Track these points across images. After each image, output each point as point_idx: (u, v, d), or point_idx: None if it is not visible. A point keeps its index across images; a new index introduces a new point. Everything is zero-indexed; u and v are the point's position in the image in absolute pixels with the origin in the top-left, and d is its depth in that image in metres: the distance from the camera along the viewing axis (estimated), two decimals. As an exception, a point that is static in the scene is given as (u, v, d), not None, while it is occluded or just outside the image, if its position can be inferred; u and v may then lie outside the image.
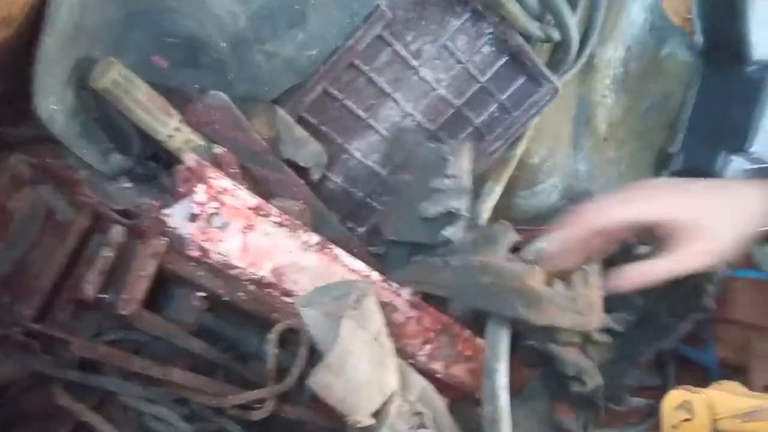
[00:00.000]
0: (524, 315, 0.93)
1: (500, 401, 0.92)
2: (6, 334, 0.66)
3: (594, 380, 1.10)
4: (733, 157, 1.31)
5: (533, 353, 1.02)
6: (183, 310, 0.81)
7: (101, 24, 0.78)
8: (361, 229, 1.10)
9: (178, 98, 0.85)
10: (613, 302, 1.17)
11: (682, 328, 0.98)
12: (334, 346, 0.74)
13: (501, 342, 0.96)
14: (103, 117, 0.80)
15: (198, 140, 0.86)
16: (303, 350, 0.87)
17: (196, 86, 0.87)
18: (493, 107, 1.08)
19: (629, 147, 1.38)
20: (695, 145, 1.36)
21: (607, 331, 1.18)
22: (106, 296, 0.72)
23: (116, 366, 0.75)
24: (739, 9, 1.18)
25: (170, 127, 0.83)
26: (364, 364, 0.77)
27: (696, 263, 0.71)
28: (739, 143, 1.29)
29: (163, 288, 0.80)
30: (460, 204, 0.96)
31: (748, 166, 1.35)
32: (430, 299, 1.07)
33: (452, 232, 0.96)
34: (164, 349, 0.81)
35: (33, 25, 0.69)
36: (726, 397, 0.70)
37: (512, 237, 1.00)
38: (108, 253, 0.71)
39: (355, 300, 0.78)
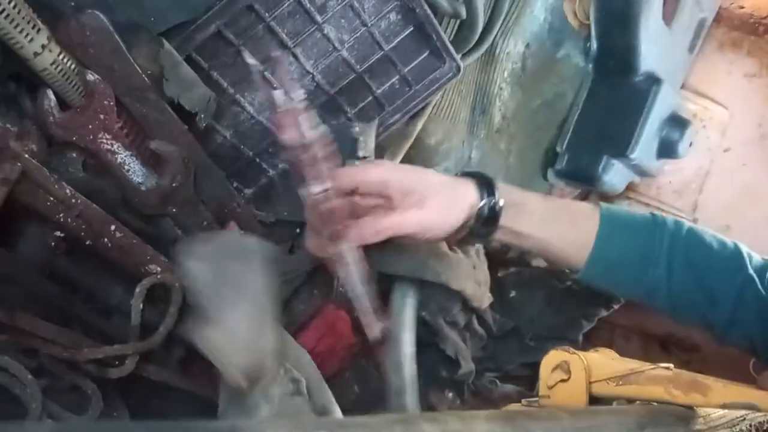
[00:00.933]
0: (440, 277, 0.94)
1: (406, 371, 0.92)
2: None
3: (468, 365, 1.11)
4: (614, 162, 1.38)
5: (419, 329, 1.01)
6: (36, 250, 0.71)
7: None
8: (248, 191, 1.03)
9: (49, 13, 0.75)
10: (496, 302, 1.20)
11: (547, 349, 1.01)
12: (216, 298, 0.69)
13: (406, 311, 0.96)
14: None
15: (69, 63, 0.76)
16: (173, 309, 0.80)
17: (72, 2, 0.78)
18: (394, 78, 1.05)
19: (519, 141, 1.40)
20: (580, 146, 1.41)
21: (485, 329, 1.20)
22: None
23: None
24: (632, 20, 1.24)
25: (37, 44, 0.73)
26: (243, 319, 0.73)
27: (409, 226, 0.83)
28: (621, 149, 1.36)
29: (14, 224, 0.70)
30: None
31: (627, 171, 1.42)
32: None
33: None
34: (12, 293, 0.70)
35: None
36: (602, 360, 0.71)
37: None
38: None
39: (241, 254, 0.74)
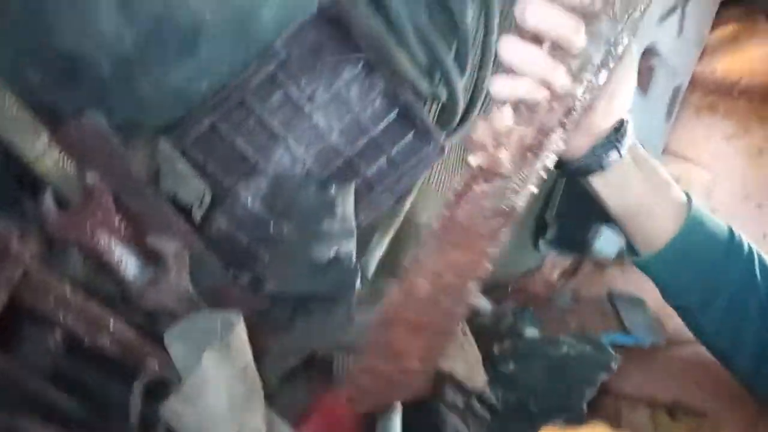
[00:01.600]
0: None
1: None
2: None
3: None
4: (605, 228, 1.41)
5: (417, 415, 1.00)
6: (37, 352, 0.71)
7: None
8: (245, 279, 1.04)
9: (49, 117, 0.78)
10: (496, 378, 1.19)
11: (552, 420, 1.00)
12: (191, 375, 0.69)
13: None
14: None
15: (69, 165, 0.79)
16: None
17: (72, 106, 0.80)
18: (382, 160, 1.08)
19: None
20: (569, 215, 1.44)
21: (487, 408, 1.19)
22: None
23: None
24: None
25: (38, 148, 0.75)
26: (224, 397, 0.72)
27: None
28: (609, 215, 1.39)
29: (14, 326, 0.70)
30: (350, 246, 0.94)
31: (618, 236, 1.45)
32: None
33: (353, 284, 0.94)
34: (11, 399, 0.69)
35: None
36: None
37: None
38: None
39: (222, 331, 0.74)
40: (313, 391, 1.04)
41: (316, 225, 1.01)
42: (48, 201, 0.77)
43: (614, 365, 1.21)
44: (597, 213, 1.39)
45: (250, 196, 1.00)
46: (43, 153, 0.76)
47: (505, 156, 0.70)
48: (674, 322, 1.33)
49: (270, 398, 0.90)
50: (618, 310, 1.53)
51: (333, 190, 1.03)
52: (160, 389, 0.80)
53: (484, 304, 1.33)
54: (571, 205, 1.43)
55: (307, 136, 1.01)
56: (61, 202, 0.79)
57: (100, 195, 0.81)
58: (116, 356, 0.78)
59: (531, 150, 0.71)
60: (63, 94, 0.80)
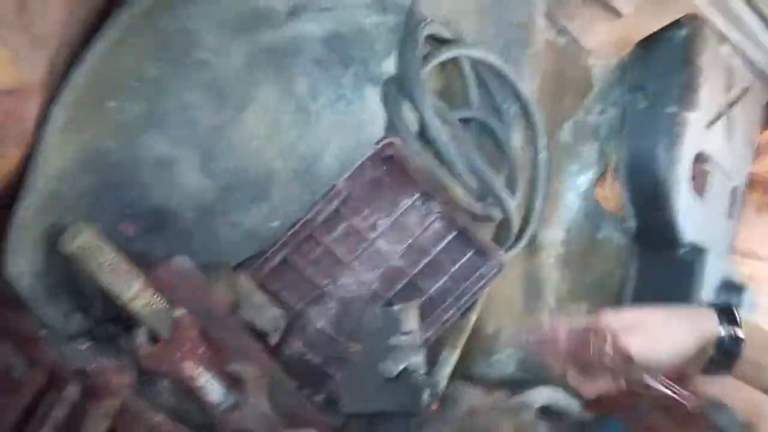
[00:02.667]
0: None
1: None
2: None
3: None
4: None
5: None
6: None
7: (75, 194, 0.84)
8: (318, 397, 1.09)
9: (143, 263, 0.90)
10: None
11: None
12: None
13: None
14: (69, 279, 0.84)
15: (159, 303, 0.89)
16: None
17: (161, 252, 0.92)
18: (444, 278, 1.14)
19: (578, 321, 1.43)
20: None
21: None
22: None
23: None
24: (663, 199, 1.32)
25: (133, 290, 0.86)
26: None
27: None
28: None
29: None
30: (418, 359, 0.99)
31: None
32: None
33: (424, 398, 0.98)
34: None
35: (10, 191, 0.75)
36: None
37: (470, 396, 1.03)
38: (61, 411, 0.71)
39: None
40: None
41: (383, 342, 1.07)
42: (141, 336, 0.87)
43: None
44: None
45: (320, 319, 1.08)
46: (137, 295, 0.87)
47: None
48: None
49: None
50: (707, 413, 1.46)
51: (397, 308, 1.09)
52: None
53: (573, 404, 1.31)
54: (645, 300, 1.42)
55: (372, 261, 1.09)
56: (154, 337, 0.89)
57: (187, 327, 0.91)
58: None
59: None
60: (154, 242, 0.92)
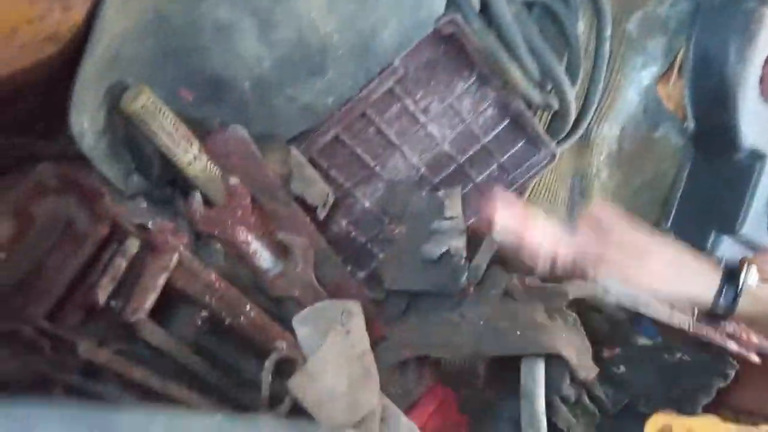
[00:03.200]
0: (544, 346, 0.98)
1: (541, 425, 0.96)
2: (17, 329, 0.69)
3: None
4: (723, 238, 1.37)
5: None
6: (185, 327, 0.83)
7: (137, 55, 0.84)
8: (362, 274, 1.13)
9: (199, 129, 0.91)
10: (606, 377, 1.20)
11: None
12: (315, 355, 0.78)
13: (537, 370, 1.00)
14: (129, 139, 0.86)
15: (214, 169, 0.91)
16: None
17: (218, 120, 0.93)
18: (492, 166, 1.14)
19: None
20: (686, 223, 1.41)
21: (596, 405, 1.20)
22: (114, 303, 0.75)
23: (117, 375, 0.76)
24: (729, 101, 1.26)
25: (190, 155, 0.88)
26: (343, 377, 0.81)
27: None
28: (729, 225, 1.35)
29: (168, 305, 0.83)
30: (460, 244, 1.01)
31: (738, 246, 1.40)
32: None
33: (461, 280, 1.00)
34: (163, 366, 0.82)
35: (76, 46, 0.76)
36: (706, 424, 0.71)
37: (505, 280, 1.05)
38: (122, 263, 0.75)
39: (343, 318, 0.83)
40: (424, 382, 1.12)
41: (427, 225, 1.09)
42: (196, 200, 0.90)
43: (731, 373, 1.18)
44: (714, 223, 1.36)
45: (367, 199, 1.10)
46: (194, 160, 0.89)
47: None
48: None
49: (383, 384, 0.99)
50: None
51: (442, 193, 1.10)
52: (287, 367, 0.90)
53: (610, 301, 1.33)
54: (687, 215, 1.40)
55: (422, 145, 1.09)
56: (207, 202, 0.92)
57: (240, 196, 0.93)
58: (250, 336, 0.90)
59: None
60: (210, 110, 0.93)
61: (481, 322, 1.00)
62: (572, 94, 1.08)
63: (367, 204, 1.10)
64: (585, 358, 1.07)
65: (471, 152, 1.12)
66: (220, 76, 0.92)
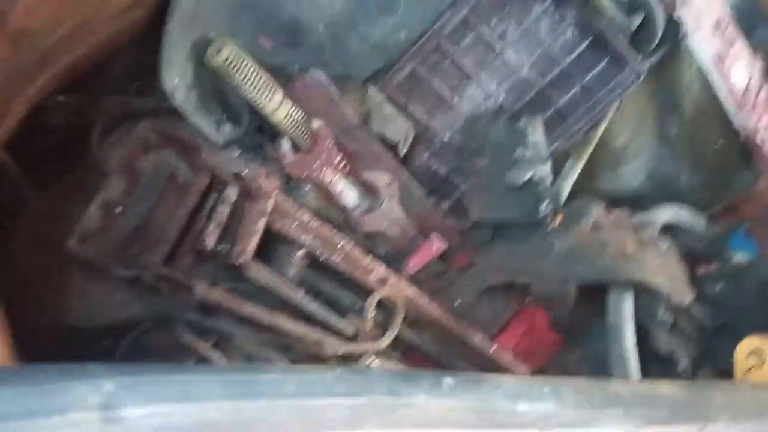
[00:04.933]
0: (634, 276, 0.98)
1: (630, 363, 0.98)
2: (138, 276, 0.77)
3: (683, 363, 1.12)
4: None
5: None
6: (286, 265, 0.89)
7: (216, 9, 0.88)
8: (445, 204, 1.15)
9: (280, 76, 0.95)
10: (703, 297, 1.18)
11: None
12: None
13: (625, 304, 1.01)
14: (217, 91, 0.91)
15: (298, 114, 0.95)
16: (398, 319, 0.95)
17: (296, 65, 0.96)
18: (575, 88, 1.11)
19: (714, 135, 1.36)
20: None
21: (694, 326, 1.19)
22: (221, 247, 0.81)
23: (230, 311, 0.84)
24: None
25: (275, 102, 0.92)
26: None
27: None
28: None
29: (269, 245, 0.88)
30: (544, 171, 1.01)
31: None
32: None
33: (545, 207, 1.01)
34: (269, 301, 0.89)
35: (160, 8, 0.80)
36: None
37: (595, 210, 1.04)
38: (224, 210, 0.80)
39: None
40: (513, 305, 1.14)
41: (509, 153, 1.09)
42: (284, 146, 0.95)
43: None
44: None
45: (447, 131, 1.10)
46: (278, 107, 0.93)
47: None
48: None
49: (471, 309, 1.03)
50: None
51: (523, 120, 1.09)
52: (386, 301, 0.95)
53: (698, 221, 1.30)
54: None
55: (499, 73, 1.07)
56: (294, 146, 0.97)
57: (324, 138, 0.97)
58: (345, 269, 0.94)
59: None
60: (289, 56, 0.96)
61: (569, 250, 1.01)
62: (661, 13, 1.03)
63: (446, 136, 1.10)
64: (680, 283, 1.06)
65: (551, 76, 1.09)
66: (295, 21, 0.94)
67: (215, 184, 0.85)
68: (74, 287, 0.83)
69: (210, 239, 0.79)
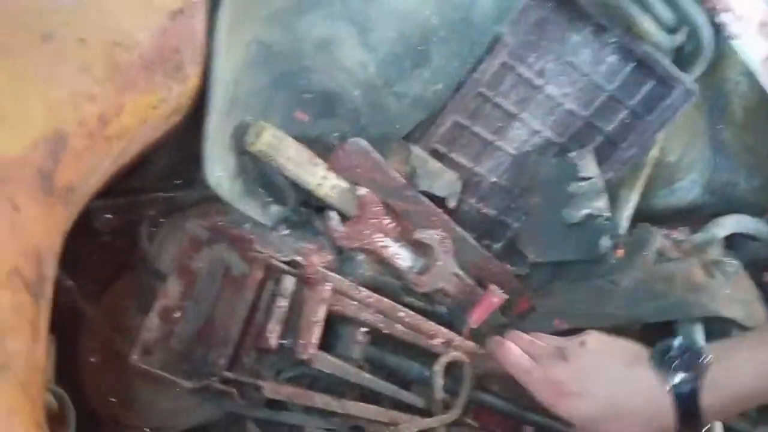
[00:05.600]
0: (708, 309, 0.93)
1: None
2: (206, 384, 0.75)
3: None
4: None
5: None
6: (350, 347, 0.87)
7: (251, 92, 0.85)
8: (497, 246, 1.12)
9: (320, 148, 0.92)
10: None
11: None
12: None
13: (698, 339, 0.96)
14: (261, 175, 0.88)
15: (343, 184, 0.92)
16: (467, 382, 0.92)
17: (335, 134, 0.93)
18: (623, 114, 1.06)
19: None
20: None
21: None
22: (285, 342, 0.79)
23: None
24: None
25: (318, 176, 0.90)
26: None
27: None
28: None
29: (330, 328, 0.86)
30: (602, 204, 0.97)
31: None
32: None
33: (605, 243, 0.97)
34: (335, 382, 0.87)
35: (196, 104, 0.78)
36: None
37: (658, 239, 1.00)
38: (283, 303, 0.78)
39: None
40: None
41: (562, 189, 1.05)
42: (333, 218, 0.92)
43: None
44: None
45: (493, 174, 1.07)
46: (323, 180, 0.90)
47: None
48: None
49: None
50: None
51: (572, 155, 1.05)
52: (454, 367, 0.93)
53: (761, 226, 1.25)
54: None
55: (543, 108, 1.03)
56: (342, 215, 0.94)
57: (372, 204, 0.94)
58: (409, 339, 0.92)
59: None
60: (327, 126, 0.93)
61: (635, 287, 0.97)
62: (708, 29, 0.98)
63: (493, 179, 1.07)
64: (753, 306, 1.00)
65: (597, 104, 1.05)
66: (330, 91, 0.91)
67: (271, 273, 0.83)
68: (142, 398, 0.82)
69: (272, 337, 0.77)
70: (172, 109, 0.69)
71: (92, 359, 0.83)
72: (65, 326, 0.83)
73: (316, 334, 0.79)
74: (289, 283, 0.81)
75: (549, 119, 1.04)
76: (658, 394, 0.71)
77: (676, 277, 0.98)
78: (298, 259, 0.83)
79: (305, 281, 0.82)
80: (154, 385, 0.80)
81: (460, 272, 1.02)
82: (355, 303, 0.87)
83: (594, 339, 0.82)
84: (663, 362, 0.73)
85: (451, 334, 0.95)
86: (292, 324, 0.81)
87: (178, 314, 0.80)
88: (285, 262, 0.82)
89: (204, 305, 0.81)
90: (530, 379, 0.82)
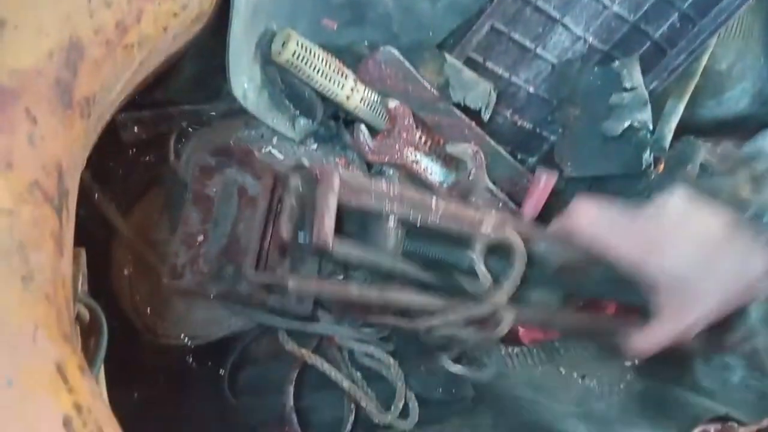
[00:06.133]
0: None
1: None
2: (233, 289, 0.75)
3: None
4: None
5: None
6: (381, 238, 0.77)
7: (274, -1, 0.81)
8: (532, 160, 1.08)
9: (349, 57, 0.88)
10: None
11: None
12: None
13: None
14: (287, 86, 0.85)
15: (373, 96, 0.88)
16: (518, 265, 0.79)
17: (365, 43, 0.89)
18: (673, 18, 0.99)
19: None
20: None
21: None
22: (301, 238, 0.76)
23: (333, 302, 0.81)
24: None
25: (347, 88, 0.86)
26: None
27: (682, 330, 0.67)
28: None
29: (361, 230, 0.81)
30: (644, 116, 0.92)
31: None
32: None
33: (647, 158, 0.93)
34: (377, 274, 0.80)
35: (220, 13, 0.74)
36: None
37: (702, 152, 0.95)
38: (290, 199, 0.74)
39: None
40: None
41: (604, 101, 0.99)
42: (362, 132, 0.89)
43: None
44: None
45: (531, 84, 1.01)
46: (352, 92, 0.87)
47: None
48: None
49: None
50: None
51: (616, 63, 0.99)
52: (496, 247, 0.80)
53: None
54: None
55: (586, 12, 0.96)
56: (371, 129, 0.91)
57: (402, 117, 0.90)
58: (448, 228, 0.79)
59: None
60: (356, 33, 0.88)
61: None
62: None
63: (530, 89, 1.02)
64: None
65: (646, 6, 0.97)
66: (359, -4, 0.86)
67: (280, 180, 0.81)
68: (176, 309, 0.83)
69: (284, 229, 0.74)
70: (194, 16, 0.65)
71: (126, 272, 0.84)
72: (98, 239, 0.84)
73: (328, 219, 0.72)
74: (294, 181, 0.76)
75: (593, 24, 0.97)
76: (754, 250, 0.67)
77: (721, 193, 0.93)
78: (303, 160, 0.81)
79: (314, 180, 0.78)
80: (187, 300, 0.81)
81: (493, 187, 0.99)
82: (373, 195, 0.79)
83: (681, 196, 0.76)
84: (760, 223, 0.70)
85: (503, 215, 0.81)
86: (308, 221, 0.78)
87: (201, 238, 0.79)
88: (291, 167, 0.79)
89: (224, 226, 0.81)
90: (616, 238, 0.71)
